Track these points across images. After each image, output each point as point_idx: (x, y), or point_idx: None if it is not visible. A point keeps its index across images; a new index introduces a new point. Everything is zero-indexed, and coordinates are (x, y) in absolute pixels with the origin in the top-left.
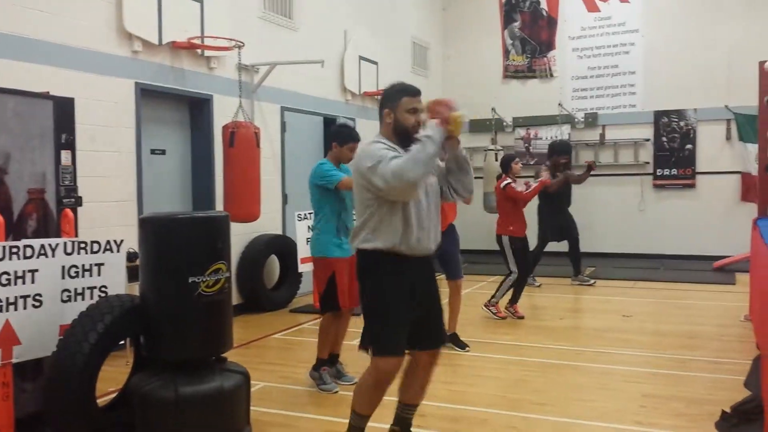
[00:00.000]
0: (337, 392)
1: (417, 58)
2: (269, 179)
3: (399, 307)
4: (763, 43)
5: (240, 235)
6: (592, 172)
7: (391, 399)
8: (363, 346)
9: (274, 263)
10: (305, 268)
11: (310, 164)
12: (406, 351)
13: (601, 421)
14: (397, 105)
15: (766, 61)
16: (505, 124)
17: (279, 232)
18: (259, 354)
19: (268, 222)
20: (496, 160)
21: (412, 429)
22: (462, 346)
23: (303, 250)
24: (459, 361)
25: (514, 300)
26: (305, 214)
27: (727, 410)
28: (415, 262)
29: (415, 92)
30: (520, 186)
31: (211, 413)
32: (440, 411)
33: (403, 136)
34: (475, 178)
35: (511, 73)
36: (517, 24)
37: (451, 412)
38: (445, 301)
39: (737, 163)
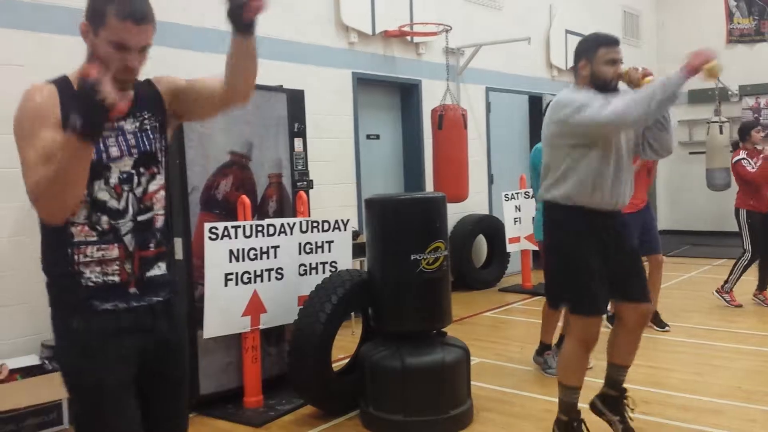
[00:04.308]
0: None
1: (628, 28)
2: (476, 160)
3: (593, 261)
4: None
5: (449, 215)
6: None
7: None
8: (555, 305)
9: (481, 243)
10: (513, 248)
11: (516, 144)
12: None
13: None
14: (594, 56)
15: None
16: (730, 93)
17: (486, 212)
18: (472, 331)
19: (475, 202)
20: (721, 133)
21: (627, 394)
22: (662, 325)
23: (510, 230)
24: (683, 349)
25: (762, 286)
26: (512, 194)
27: None
28: (606, 216)
29: (612, 42)
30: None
31: (434, 384)
32: (667, 399)
33: (600, 89)
34: (698, 152)
35: (736, 38)
36: None
37: (679, 401)
38: None
39: None
